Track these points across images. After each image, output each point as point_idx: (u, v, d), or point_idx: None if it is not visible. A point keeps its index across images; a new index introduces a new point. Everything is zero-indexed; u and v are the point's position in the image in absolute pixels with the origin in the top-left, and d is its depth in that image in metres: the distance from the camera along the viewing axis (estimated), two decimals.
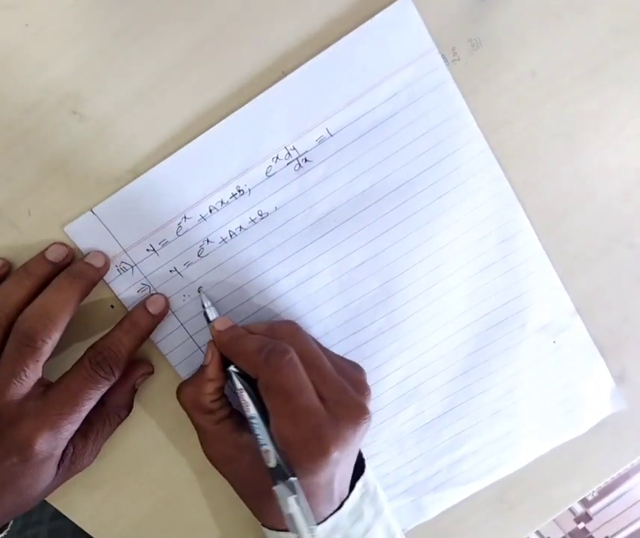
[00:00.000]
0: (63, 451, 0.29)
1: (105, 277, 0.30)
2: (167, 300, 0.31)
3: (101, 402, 0.29)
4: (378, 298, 0.32)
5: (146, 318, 0.30)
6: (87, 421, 0.29)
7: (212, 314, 0.30)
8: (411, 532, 0.37)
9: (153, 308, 0.30)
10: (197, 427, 0.31)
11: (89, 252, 0.30)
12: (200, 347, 0.32)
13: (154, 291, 0.31)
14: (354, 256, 0.32)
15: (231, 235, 0.31)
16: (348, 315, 0.33)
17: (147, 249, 0.30)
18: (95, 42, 0.28)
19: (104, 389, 0.29)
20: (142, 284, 0.31)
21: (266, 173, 0.30)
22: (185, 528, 0.36)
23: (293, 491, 0.25)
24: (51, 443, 0.27)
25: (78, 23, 0.28)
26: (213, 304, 0.30)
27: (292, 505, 0.25)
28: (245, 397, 0.28)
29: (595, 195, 0.32)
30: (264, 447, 0.27)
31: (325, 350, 0.31)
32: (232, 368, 0.29)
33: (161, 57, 0.28)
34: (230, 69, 0.29)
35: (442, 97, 0.30)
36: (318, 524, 0.28)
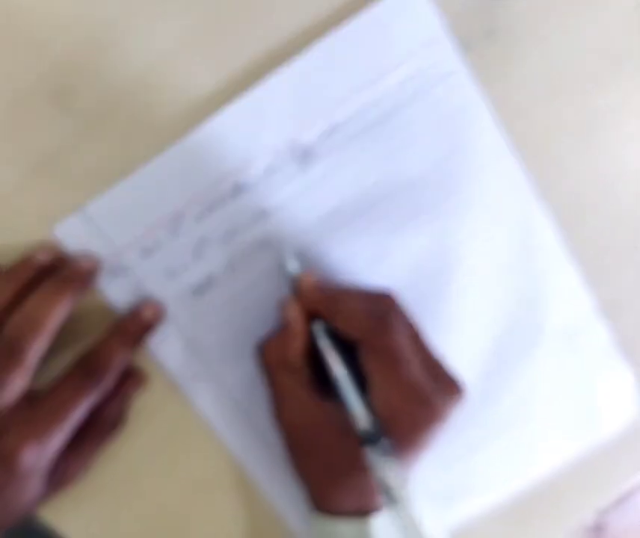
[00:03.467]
0: (53, 464, 0.28)
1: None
2: (161, 305, 0.30)
3: (93, 414, 0.28)
4: None
5: (138, 325, 0.29)
6: (78, 433, 0.28)
7: (293, 266, 0.29)
8: None
9: (146, 314, 0.29)
10: (278, 388, 0.29)
11: (79, 254, 0.29)
12: (196, 350, 0.32)
13: (147, 294, 0.30)
14: (361, 255, 0.31)
15: (229, 235, 0.30)
16: None
17: (141, 250, 0.29)
18: (86, 33, 0.27)
19: (93, 399, 0.28)
20: (135, 286, 0.30)
21: (266, 168, 0.29)
22: None
23: (386, 455, 0.25)
24: (38, 454, 0.26)
25: (68, 14, 0.27)
26: (295, 256, 0.29)
27: (387, 467, 0.25)
28: (333, 355, 0.27)
29: (617, 192, 0.32)
30: (354, 408, 0.26)
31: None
32: (317, 325, 0.28)
33: (156, 49, 0.28)
34: (228, 60, 0.28)
35: (454, 85, 0.29)
36: None
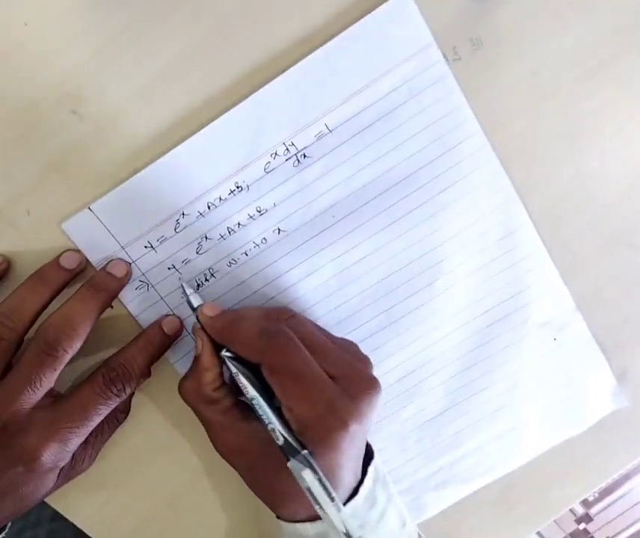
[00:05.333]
0: (70, 461, 0.29)
1: None
2: (181, 321, 0.31)
3: None
4: (378, 294, 0.32)
5: (160, 338, 0.30)
6: None
7: (196, 301, 0.29)
8: None
9: (168, 328, 0.30)
10: (204, 421, 0.29)
11: (111, 261, 0.30)
12: None
13: (151, 286, 0.31)
14: (353, 252, 0.31)
15: (230, 232, 0.30)
16: (347, 311, 0.32)
17: (145, 246, 0.30)
18: (94, 41, 0.28)
19: (114, 405, 0.29)
20: (140, 281, 0.31)
21: (265, 169, 0.30)
22: (185, 528, 0.36)
23: (307, 465, 0.24)
24: (58, 455, 0.27)
25: (77, 22, 0.28)
26: (195, 291, 0.29)
27: (308, 476, 0.24)
28: (242, 380, 0.27)
29: (595, 195, 0.32)
30: (270, 426, 0.26)
31: (321, 330, 0.30)
32: (224, 353, 0.28)
33: (160, 56, 0.28)
34: (229, 67, 0.29)
35: (441, 92, 0.30)
36: None
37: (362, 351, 0.30)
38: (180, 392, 0.29)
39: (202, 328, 0.28)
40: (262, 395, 0.26)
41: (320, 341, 0.28)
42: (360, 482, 0.28)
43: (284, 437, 0.25)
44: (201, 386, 0.28)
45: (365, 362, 0.29)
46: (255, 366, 0.27)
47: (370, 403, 0.27)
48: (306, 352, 0.27)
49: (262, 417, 0.26)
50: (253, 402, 0.27)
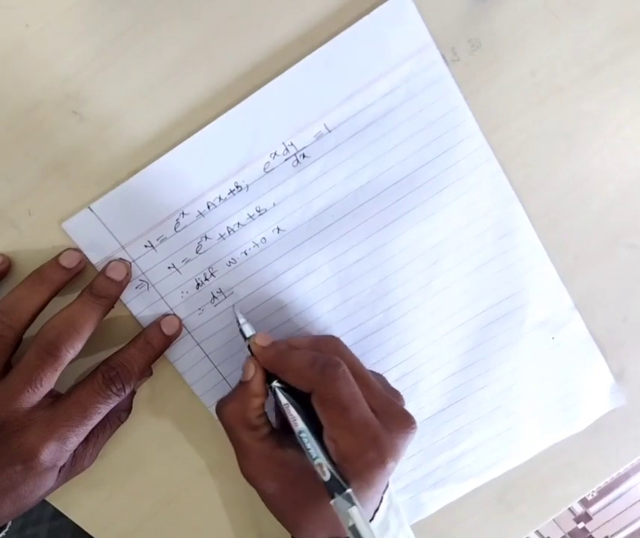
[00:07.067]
0: (69, 460, 0.29)
1: None
2: (180, 321, 0.31)
3: None
4: (376, 294, 0.32)
5: (160, 338, 0.30)
6: None
7: (248, 330, 0.30)
8: None
9: (167, 328, 0.31)
10: (240, 445, 0.29)
11: (110, 262, 0.30)
12: (198, 344, 0.32)
13: (151, 285, 0.31)
14: (352, 252, 0.32)
15: (229, 232, 0.31)
16: (346, 311, 0.33)
17: (145, 246, 0.30)
18: (95, 42, 0.28)
19: (113, 405, 0.29)
20: (140, 280, 0.31)
21: (264, 169, 0.30)
22: (184, 528, 0.36)
23: (351, 502, 0.25)
24: (56, 454, 0.27)
25: (78, 23, 0.28)
26: (247, 319, 0.30)
27: (356, 516, 0.24)
28: (292, 412, 0.27)
29: (594, 195, 0.32)
30: (317, 461, 0.26)
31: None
32: (276, 384, 0.28)
33: (160, 57, 0.28)
34: (229, 67, 0.29)
35: (440, 93, 0.30)
36: None
37: (391, 384, 0.31)
38: (221, 413, 0.29)
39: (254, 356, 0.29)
40: (309, 428, 0.27)
41: (364, 374, 0.29)
42: (377, 509, 0.29)
43: (331, 473, 0.26)
44: (246, 411, 0.29)
45: (398, 396, 0.30)
46: (301, 397, 0.28)
47: (406, 440, 0.27)
48: (355, 385, 0.27)
49: (310, 450, 0.26)
50: (301, 435, 0.27)
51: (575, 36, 0.30)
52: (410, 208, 0.31)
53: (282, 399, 0.28)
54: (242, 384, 0.29)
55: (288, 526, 0.30)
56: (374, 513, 0.29)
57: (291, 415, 0.27)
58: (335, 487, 0.25)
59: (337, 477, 0.26)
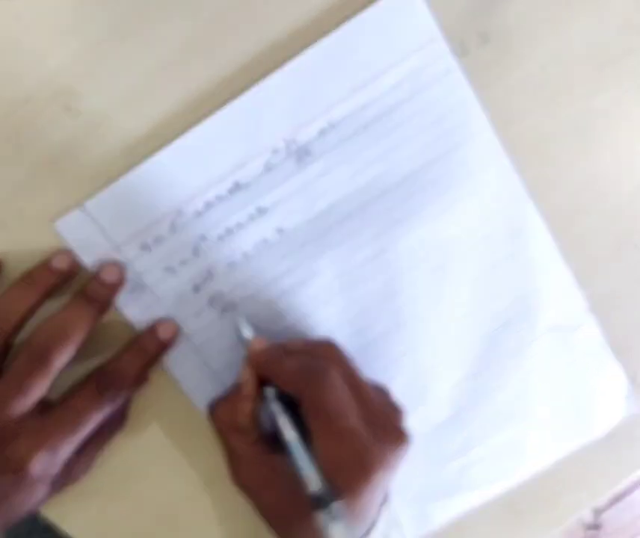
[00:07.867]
0: (61, 469, 0.28)
1: None
2: (177, 325, 0.31)
3: None
4: (383, 297, 0.32)
5: (155, 343, 0.30)
6: None
7: (246, 334, 0.30)
8: None
9: (163, 333, 0.30)
10: (230, 450, 0.29)
11: (103, 265, 0.29)
12: (196, 349, 0.32)
13: (147, 287, 0.30)
14: (357, 253, 0.31)
15: (228, 232, 0.30)
16: (351, 315, 0.32)
17: (140, 247, 0.30)
18: (89, 36, 0.27)
19: (107, 413, 0.28)
20: (135, 282, 0.30)
21: (265, 167, 0.29)
22: None
23: (334, 516, 0.25)
24: (48, 464, 0.27)
25: (72, 15, 0.27)
26: (247, 323, 0.30)
27: (339, 531, 0.24)
28: (281, 419, 0.27)
29: (609, 193, 0.32)
30: (304, 472, 0.26)
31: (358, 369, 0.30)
32: (268, 390, 0.28)
33: (156, 50, 0.28)
34: (227, 59, 0.28)
35: (448, 87, 0.29)
36: None
37: (395, 398, 0.30)
38: (213, 414, 0.30)
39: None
40: (299, 438, 0.27)
41: (358, 381, 0.28)
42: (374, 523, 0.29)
43: (316, 485, 0.25)
44: (237, 413, 0.29)
45: (398, 410, 0.30)
46: (293, 405, 0.27)
47: (397, 456, 0.27)
48: (346, 392, 0.27)
49: (298, 461, 0.26)
50: (288, 446, 0.27)
51: (587, 29, 0.30)
52: (418, 207, 0.31)
53: (275, 406, 0.28)
54: (235, 386, 0.29)
55: (278, 534, 0.29)
56: (371, 529, 0.28)
57: (281, 422, 0.27)
58: (322, 500, 0.25)
59: (322, 489, 0.25)
